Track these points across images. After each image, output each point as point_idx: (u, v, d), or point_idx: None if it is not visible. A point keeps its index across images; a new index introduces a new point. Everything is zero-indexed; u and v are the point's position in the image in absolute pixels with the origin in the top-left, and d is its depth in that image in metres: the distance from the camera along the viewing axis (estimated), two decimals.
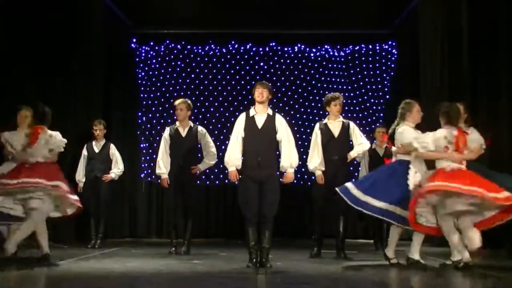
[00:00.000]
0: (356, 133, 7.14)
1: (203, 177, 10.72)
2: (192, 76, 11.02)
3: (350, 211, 6.53)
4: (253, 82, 10.99)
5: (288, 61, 11.15)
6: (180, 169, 7.16)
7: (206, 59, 11.10)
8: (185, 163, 7.19)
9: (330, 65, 11.15)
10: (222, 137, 10.93)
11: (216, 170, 10.82)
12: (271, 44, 11.14)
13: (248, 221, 5.79)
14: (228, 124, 10.88)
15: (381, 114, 10.90)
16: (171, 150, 7.25)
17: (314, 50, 11.18)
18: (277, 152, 6.02)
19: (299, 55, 11.18)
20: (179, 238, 7.17)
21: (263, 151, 5.78)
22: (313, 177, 7.21)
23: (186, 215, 7.19)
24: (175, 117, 7.58)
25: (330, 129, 7.05)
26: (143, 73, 11.01)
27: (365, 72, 11.06)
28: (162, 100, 10.82)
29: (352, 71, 11.08)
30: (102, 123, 8.31)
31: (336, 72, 11.14)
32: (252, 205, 5.71)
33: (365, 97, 10.97)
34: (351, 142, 7.26)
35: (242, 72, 11.07)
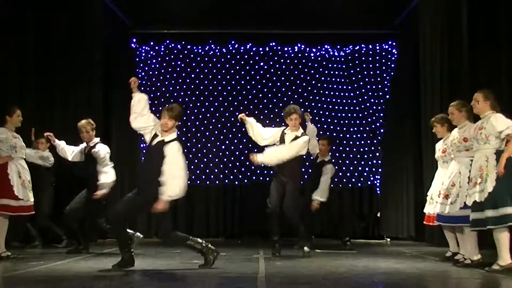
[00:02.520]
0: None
1: (203, 177, 10.74)
2: (192, 76, 11.02)
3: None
4: (253, 82, 11.09)
5: (288, 61, 11.15)
6: None
7: (206, 59, 11.10)
8: None
9: (330, 65, 11.15)
10: (222, 137, 10.95)
11: (216, 170, 10.84)
12: (271, 44, 11.14)
13: None
14: (228, 124, 10.90)
15: (381, 114, 10.90)
16: None
17: (314, 50, 11.17)
18: None
19: (299, 55, 11.18)
20: None
21: None
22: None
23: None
24: None
25: (284, 139, 6.98)
26: (143, 73, 11.00)
27: (365, 72, 11.06)
28: (162, 100, 10.80)
29: (352, 71, 11.08)
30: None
31: (336, 72, 11.14)
32: None
33: (365, 97, 10.97)
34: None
35: (242, 72, 11.07)
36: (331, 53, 11.18)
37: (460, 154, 5.99)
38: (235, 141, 10.93)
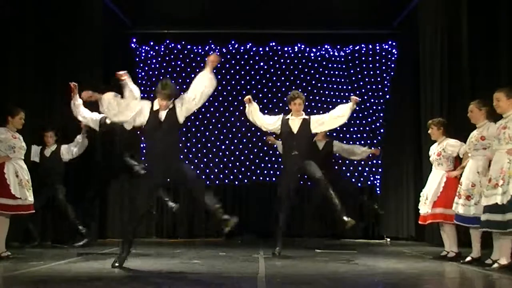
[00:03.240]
0: (318, 118, 7.07)
1: (203, 177, 10.73)
2: (192, 76, 10.85)
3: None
4: (253, 82, 11.09)
5: (288, 61, 11.15)
6: None
7: (206, 59, 11.05)
8: None
9: (330, 65, 11.16)
10: (222, 137, 10.95)
11: (216, 170, 10.84)
12: (271, 44, 11.14)
13: None
14: (228, 124, 10.91)
15: (381, 114, 10.91)
16: None
17: (314, 50, 11.18)
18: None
19: (299, 55, 11.18)
20: None
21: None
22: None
23: None
24: None
25: (289, 125, 7.02)
26: (143, 73, 11.01)
27: (365, 72, 11.07)
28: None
29: (352, 71, 11.09)
30: (54, 130, 8.32)
31: (336, 72, 11.14)
32: None
33: (365, 97, 10.96)
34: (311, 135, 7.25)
35: (242, 72, 11.07)
36: (331, 53, 11.18)
37: (477, 153, 5.97)
38: (235, 141, 10.94)
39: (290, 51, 11.19)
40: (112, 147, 7.47)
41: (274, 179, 10.84)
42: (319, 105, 10.90)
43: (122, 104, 5.70)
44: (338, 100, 11.02)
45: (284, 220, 6.94)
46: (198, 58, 11.06)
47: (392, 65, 11.00)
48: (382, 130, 10.79)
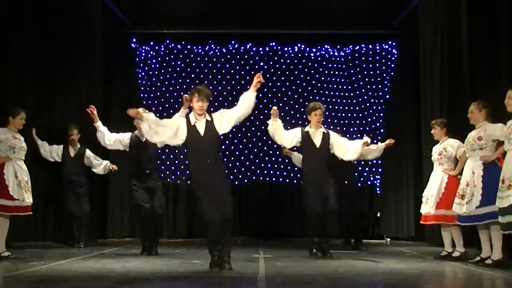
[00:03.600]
0: (336, 138, 7.05)
1: None
2: (192, 76, 11.02)
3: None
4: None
5: (288, 61, 11.15)
6: None
7: (206, 59, 11.10)
8: None
9: (330, 65, 11.15)
10: (221, 137, 10.90)
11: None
12: (271, 44, 11.14)
13: None
14: None
15: (381, 114, 10.90)
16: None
17: (314, 50, 11.18)
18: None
19: (299, 55, 11.18)
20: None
21: None
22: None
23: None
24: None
25: (311, 139, 6.98)
26: (143, 73, 11.01)
27: (365, 72, 11.06)
28: (162, 100, 10.82)
29: (352, 71, 11.08)
30: (77, 128, 8.30)
31: (336, 72, 11.14)
32: None
33: (365, 97, 10.97)
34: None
35: (242, 72, 11.06)
36: (331, 53, 11.17)
37: (474, 153, 5.99)
38: (235, 141, 10.94)
39: (290, 51, 11.19)
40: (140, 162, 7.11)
41: (274, 179, 10.85)
42: None
43: (161, 124, 5.66)
44: (338, 100, 11.05)
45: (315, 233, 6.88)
46: (198, 58, 11.06)
47: (392, 65, 11.00)
48: (382, 130, 10.79)
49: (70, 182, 8.15)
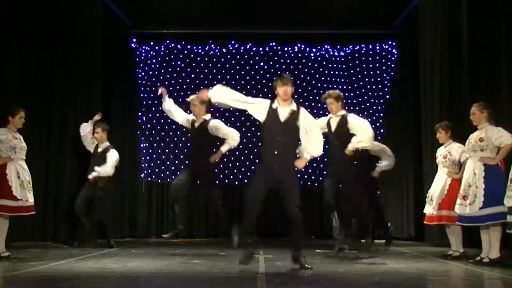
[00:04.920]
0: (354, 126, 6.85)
1: None
2: (192, 76, 11.02)
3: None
4: (253, 82, 11.08)
5: (288, 61, 11.15)
6: None
7: (206, 59, 11.10)
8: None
9: (330, 65, 11.16)
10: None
11: (216, 170, 10.81)
12: (271, 44, 11.14)
13: None
14: (228, 124, 10.86)
15: (381, 114, 10.90)
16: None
17: (314, 50, 11.18)
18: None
19: (299, 55, 11.18)
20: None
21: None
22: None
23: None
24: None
25: (330, 124, 6.90)
26: (143, 73, 11.01)
27: (365, 72, 11.07)
28: (162, 100, 10.79)
29: (352, 71, 11.09)
30: (101, 126, 8.28)
31: (336, 72, 11.14)
32: None
33: (365, 97, 10.97)
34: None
35: (242, 72, 11.07)
36: (331, 53, 11.18)
37: (475, 154, 6.00)
38: None
39: (290, 51, 11.19)
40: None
41: None
42: (319, 105, 10.88)
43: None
44: None
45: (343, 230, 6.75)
46: (198, 58, 11.07)
47: (392, 65, 11.00)
48: (382, 130, 10.79)
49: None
